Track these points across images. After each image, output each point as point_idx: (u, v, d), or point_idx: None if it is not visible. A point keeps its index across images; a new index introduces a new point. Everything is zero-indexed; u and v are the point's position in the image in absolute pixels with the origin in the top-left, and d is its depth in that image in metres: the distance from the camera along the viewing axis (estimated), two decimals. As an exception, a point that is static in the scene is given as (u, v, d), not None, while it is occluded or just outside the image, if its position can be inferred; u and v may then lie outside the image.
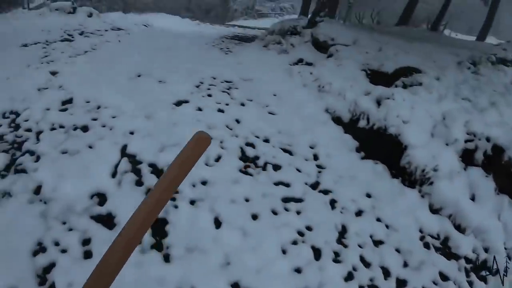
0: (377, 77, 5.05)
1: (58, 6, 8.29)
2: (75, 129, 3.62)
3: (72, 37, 6.80)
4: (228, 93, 4.77)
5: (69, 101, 4.16)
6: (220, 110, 4.28)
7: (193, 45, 7.52)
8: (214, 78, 5.19)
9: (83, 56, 5.73)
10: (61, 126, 3.66)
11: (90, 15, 8.44)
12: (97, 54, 5.94)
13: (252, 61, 6.21)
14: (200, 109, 4.20)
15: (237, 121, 4.11)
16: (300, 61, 6.04)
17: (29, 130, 3.60)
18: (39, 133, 3.54)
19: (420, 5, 14.11)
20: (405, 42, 6.30)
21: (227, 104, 4.44)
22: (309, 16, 8.11)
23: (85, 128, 3.63)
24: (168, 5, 38.86)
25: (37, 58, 5.48)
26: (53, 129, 3.61)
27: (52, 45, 6.21)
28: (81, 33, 7.12)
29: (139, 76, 4.96)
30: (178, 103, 4.28)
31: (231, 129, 3.92)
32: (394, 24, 12.98)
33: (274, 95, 4.94)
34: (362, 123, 4.36)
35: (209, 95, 4.61)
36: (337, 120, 4.56)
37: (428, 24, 12.98)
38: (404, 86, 4.63)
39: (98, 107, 3.99)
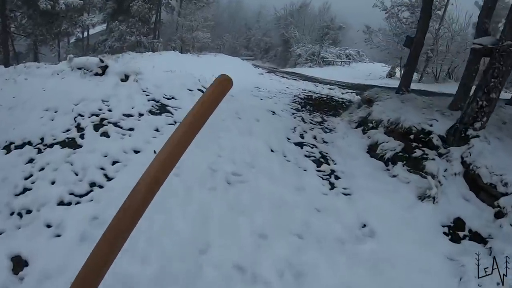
0: None
1: (82, 63, 5.43)
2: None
3: (83, 135, 3.76)
4: None
5: None
6: None
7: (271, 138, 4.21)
8: None
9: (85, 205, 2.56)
10: None
11: (125, 79, 5.46)
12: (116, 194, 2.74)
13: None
14: None
15: None
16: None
17: None
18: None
19: None
20: None
21: None
22: (457, 124, 4.76)
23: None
24: (227, 44, 37.72)
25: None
26: None
27: (45, 154, 3.20)
28: (100, 124, 4.04)
29: None
30: None
31: None
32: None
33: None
34: None
35: None
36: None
37: None
38: None
39: None
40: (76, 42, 26.01)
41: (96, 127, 3.97)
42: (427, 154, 4.76)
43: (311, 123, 7.03)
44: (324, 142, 5.80)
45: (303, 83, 14.84)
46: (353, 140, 6.04)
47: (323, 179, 4.05)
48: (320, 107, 9.47)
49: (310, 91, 12.28)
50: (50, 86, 4.98)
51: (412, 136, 5.13)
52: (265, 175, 3.63)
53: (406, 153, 4.91)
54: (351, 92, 13.16)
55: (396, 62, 21.39)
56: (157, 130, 4.17)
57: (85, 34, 23.15)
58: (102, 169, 3.32)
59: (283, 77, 17.27)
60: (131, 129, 4.04)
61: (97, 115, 4.21)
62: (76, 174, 3.25)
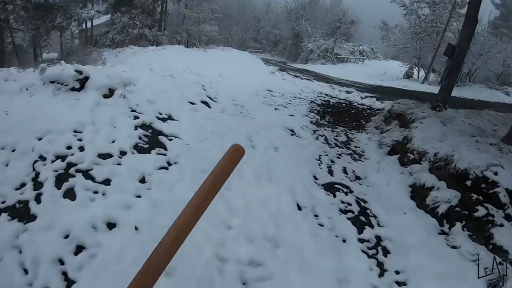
0: None
1: (56, 76, 4.27)
2: None
3: (40, 196, 2.63)
4: None
5: None
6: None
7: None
8: None
9: None
10: None
11: (109, 94, 4.34)
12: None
13: None
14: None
15: None
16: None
17: None
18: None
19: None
20: None
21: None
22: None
23: None
24: (235, 37, 36.21)
25: None
26: None
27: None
28: (66, 173, 2.91)
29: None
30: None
31: None
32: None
33: None
34: None
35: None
36: None
37: None
38: None
39: None
40: (80, 33, 24.83)
41: (59, 181, 2.83)
42: (493, 216, 3.60)
43: (336, 145, 5.90)
44: (357, 178, 4.66)
45: (318, 84, 13.62)
46: (392, 175, 4.89)
47: (368, 256, 2.92)
48: (340, 116, 8.33)
49: (326, 95, 11.12)
50: (16, 108, 3.86)
51: (469, 183, 3.96)
52: (295, 260, 2.50)
53: (465, 208, 3.77)
54: (371, 97, 11.97)
55: (414, 61, 19.95)
56: (143, 180, 3.03)
57: (90, 24, 21.95)
58: (61, 262, 2.21)
59: (296, 76, 16.03)
60: (106, 182, 2.90)
61: (63, 158, 3.07)
62: (26, 272, 2.16)
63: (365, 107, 10.11)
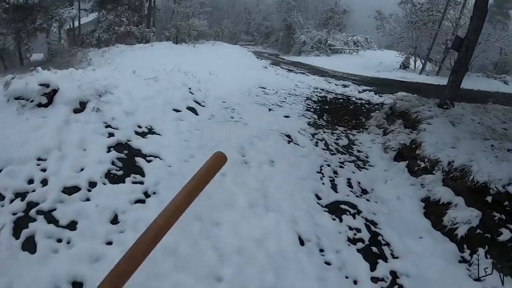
0: None
1: (21, 91, 3.73)
2: None
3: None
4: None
5: None
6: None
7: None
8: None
9: None
10: None
11: (80, 108, 3.83)
12: None
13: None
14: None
15: None
16: None
17: None
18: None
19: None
20: None
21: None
22: None
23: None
24: (226, 30, 35.30)
25: None
26: None
27: None
28: (26, 216, 2.43)
29: None
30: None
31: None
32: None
33: None
34: None
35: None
36: None
37: None
38: None
39: None
40: (67, 31, 23.94)
41: (18, 227, 2.33)
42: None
43: (337, 150, 5.47)
44: (363, 192, 4.23)
45: (313, 79, 13.15)
46: (401, 187, 4.45)
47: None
48: (338, 114, 7.96)
49: (323, 90, 10.69)
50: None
51: (489, 199, 3.52)
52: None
53: (487, 230, 3.33)
54: (369, 91, 11.57)
55: (410, 51, 19.46)
56: (115, 220, 2.54)
57: (77, 23, 21.11)
58: None
59: (290, 70, 15.52)
60: (71, 226, 2.41)
61: (23, 197, 2.57)
62: None
63: (363, 101, 9.72)
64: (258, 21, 38.19)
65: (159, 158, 3.46)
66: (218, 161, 0.73)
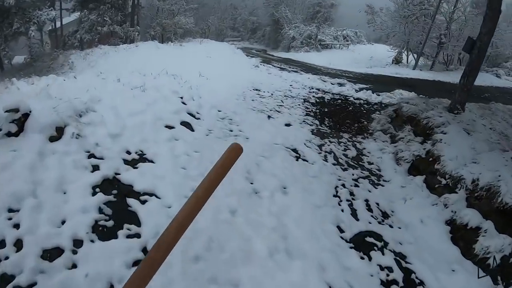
0: None
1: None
2: None
3: None
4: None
5: None
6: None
7: None
8: None
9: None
10: None
11: (57, 135, 3.27)
12: None
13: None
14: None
15: None
16: None
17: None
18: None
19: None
20: None
21: None
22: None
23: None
24: (212, 27, 34.43)
25: None
26: None
27: None
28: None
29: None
30: None
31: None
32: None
33: None
34: None
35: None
36: None
37: None
38: None
39: None
40: (50, 32, 22.83)
41: None
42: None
43: (348, 164, 5.07)
44: (385, 215, 3.81)
45: (308, 78, 12.66)
46: (423, 208, 4.05)
47: None
48: (339, 117, 7.58)
49: (319, 90, 10.26)
50: None
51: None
52: None
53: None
54: (366, 89, 11.19)
55: (402, 45, 19.14)
56: (109, 293, 2.03)
57: (59, 24, 20.07)
58: None
59: (282, 68, 14.99)
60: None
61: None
62: None
63: (361, 101, 9.34)
64: (244, 16, 37.47)
65: (155, 196, 2.93)
66: (234, 153, 0.74)
